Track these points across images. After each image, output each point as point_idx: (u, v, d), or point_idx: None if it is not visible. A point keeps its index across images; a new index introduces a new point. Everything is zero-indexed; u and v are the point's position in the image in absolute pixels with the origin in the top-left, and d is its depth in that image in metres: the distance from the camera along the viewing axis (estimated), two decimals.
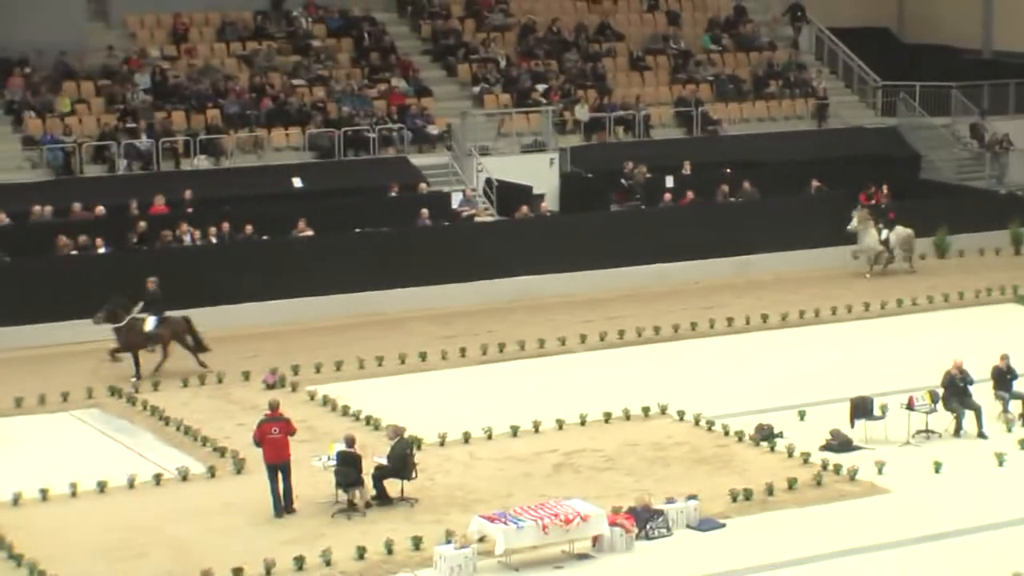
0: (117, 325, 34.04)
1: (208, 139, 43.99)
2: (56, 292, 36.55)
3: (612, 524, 24.55)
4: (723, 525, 25.46)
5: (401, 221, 41.76)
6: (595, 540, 24.50)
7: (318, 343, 36.74)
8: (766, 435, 29.50)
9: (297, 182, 43.72)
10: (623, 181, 46.18)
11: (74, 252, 38.21)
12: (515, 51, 51.24)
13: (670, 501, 25.59)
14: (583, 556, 24.38)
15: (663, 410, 31.37)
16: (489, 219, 43.72)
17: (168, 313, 34.42)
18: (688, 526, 25.30)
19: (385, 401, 32.13)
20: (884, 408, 29.62)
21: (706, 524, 25.38)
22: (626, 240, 42.84)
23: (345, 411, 31.51)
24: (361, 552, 24.03)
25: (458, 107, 47.95)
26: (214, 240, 39.74)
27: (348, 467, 26.04)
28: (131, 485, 27.39)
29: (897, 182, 48.29)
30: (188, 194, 41.29)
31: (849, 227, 43.66)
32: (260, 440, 26.31)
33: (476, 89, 49.09)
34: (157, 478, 27.70)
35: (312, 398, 32.52)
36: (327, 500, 26.43)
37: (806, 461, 28.19)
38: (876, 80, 54.16)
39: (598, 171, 47.02)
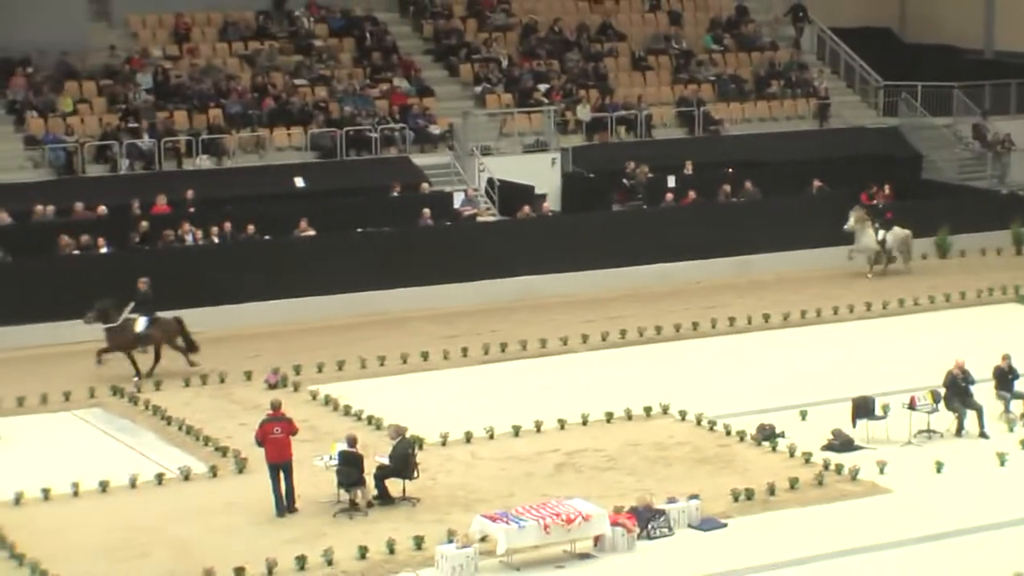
0: (111, 325, 33.94)
1: (210, 139, 43.98)
2: (58, 292, 36.51)
3: (614, 524, 24.53)
4: (725, 525, 25.46)
5: (403, 221, 41.75)
6: (597, 540, 24.49)
7: (320, 343, 36.73)
8: (768, 435, 29.50)
9: (299, 182, 43.70)
10: (625, 181, 46.17)
11: (76, 252, 38.20)
12: (517, 51, 51.22)
13: (672, 501, 25.58)
14: (585, 556, 24.37)
15: (665, 410, 31.37)
16: (491, 219, 43.69)
17: (160, 314, 34.29)
18: (690, 526, 25.29)
19: (387, 401, 32.11)
20: (886, 408, 29.61)
21: (708, 524, 25.37)
22: (628, 240, 42.83)
23: (347, 411, 31.49)
24: (363, 552, 24.03)
25: (460, 107, 47.95)
26: (216, 240, 39.73)
27: (350, 467, 26.04)
28: (133, 485, 27.39)
29: (899, 182, 48.27)
30: (190, 194, 41.29)
31: (846, 227, 43.57)
32: (262, 440, 26.31)
33: (478, 89, 49.08)
34: (159, 478, 27.69)
35: (314, 398, 32.51)
36: (329, 500, 26.42)
37: (808, 461, 28.18)
38: (878, 80, 54.14)
39: (600, 171, 47.03)
